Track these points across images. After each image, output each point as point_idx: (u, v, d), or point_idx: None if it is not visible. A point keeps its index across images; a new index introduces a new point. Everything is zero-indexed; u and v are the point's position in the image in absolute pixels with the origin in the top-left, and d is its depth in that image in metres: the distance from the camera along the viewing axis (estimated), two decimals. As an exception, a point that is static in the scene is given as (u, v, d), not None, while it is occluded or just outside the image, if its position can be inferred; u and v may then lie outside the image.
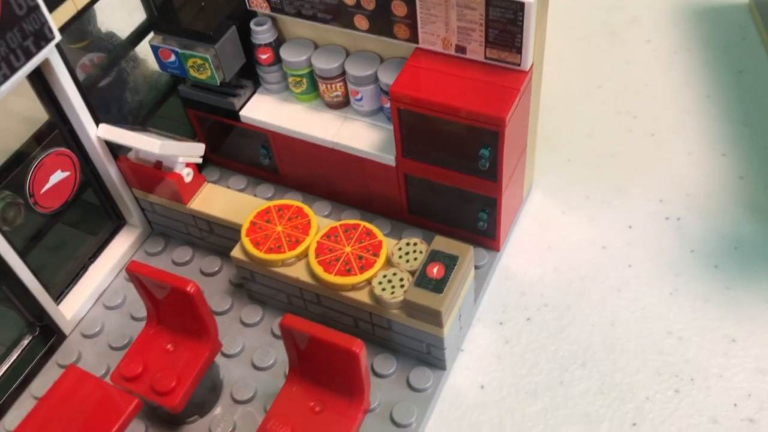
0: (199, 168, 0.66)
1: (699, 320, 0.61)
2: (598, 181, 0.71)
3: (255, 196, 0.72)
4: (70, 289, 0.66)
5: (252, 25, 0.64)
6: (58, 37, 0.53)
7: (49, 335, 0.64)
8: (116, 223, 0.70)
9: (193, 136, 0.74)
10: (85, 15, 0.58)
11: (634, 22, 0.86)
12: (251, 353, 0.61)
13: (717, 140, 0.73)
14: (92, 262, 0.68)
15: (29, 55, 0.52)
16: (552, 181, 0.71)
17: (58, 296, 0.65)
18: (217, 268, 0.67)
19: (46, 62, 0.55)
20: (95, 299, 0.67)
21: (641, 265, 0.65)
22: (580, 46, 0.84)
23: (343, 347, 0.49)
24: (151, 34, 0.65)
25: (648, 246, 0.66)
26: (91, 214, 0.68)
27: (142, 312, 0.64)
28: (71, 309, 0.65)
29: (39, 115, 0.63)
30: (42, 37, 0.52)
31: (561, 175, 0.72)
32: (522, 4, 0.52)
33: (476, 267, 0.64)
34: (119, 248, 0.69)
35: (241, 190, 0.73)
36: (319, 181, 0.70)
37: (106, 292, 0.67)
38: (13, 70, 0.51)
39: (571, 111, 0.77)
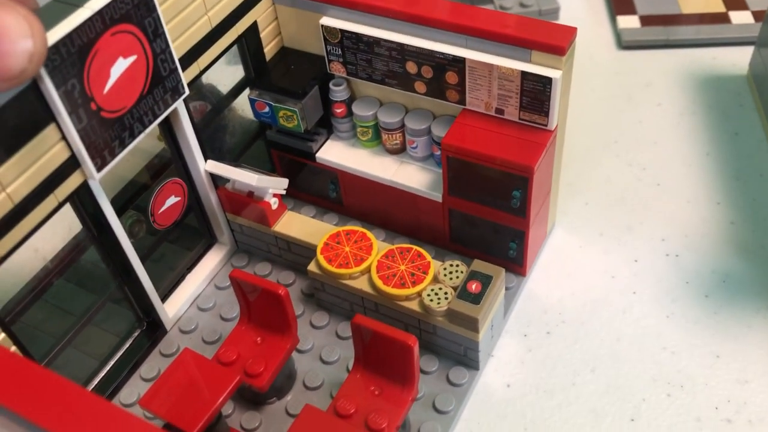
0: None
1: (690, 339, 0.73)
2: (611, 222, 0.84)
3: (322, 221, 0.85)
4: (172, 293, 0.80)
5: (331, 85, 0.78)
6: (187, 91, 0.68)
7: (154, 329, 0.77)
8: (209, 240, 0.84)
9: (274, 172, 0.88)
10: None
11: (647, 87, 0.99)
12: (320, 350, 0.74)
13: (713, 191, 0.85)
14: (189, 271, 0.82)
15: (167, 106, 0.66)
16: (572, 221, 0.84)
17: (163, 298, 0.79)
18: (291, 281, 0.81)
19: (174, 111, 0.70)
20: (191, 302, 0.80)
21: (643, 292, 0.77)
22: (600, 106, 0.97)
23: (401, 341, 0.62)
24: (248, 89, 0.80)
25: (650, 277, 0.78)
26: (190, 233, 0.83)
27: (230, 313, 0.78)
28: (172, 309, 0.79)
29: (153, 149, 0.78)
30: (176, 92, 0.67)
31: (580, 215, 0.84)
32: (550, 79, 0.66)
33: (506, 288, 0.77)
34: (211, 261, 0.83)
35: (311, 218, 0.86)
36: (377, 212, 0.84)
37: (200, 296, 0.81)
38: (156, 116, 0.66)
39: (589, 162, 0.90)
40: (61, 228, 0.67)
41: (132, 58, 0.61)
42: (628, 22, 1.06)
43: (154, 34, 0.62)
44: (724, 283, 0.76)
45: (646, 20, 1.06)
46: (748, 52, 0.99)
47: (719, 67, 1.00)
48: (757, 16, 1.04)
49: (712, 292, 0.76)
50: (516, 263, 0.77)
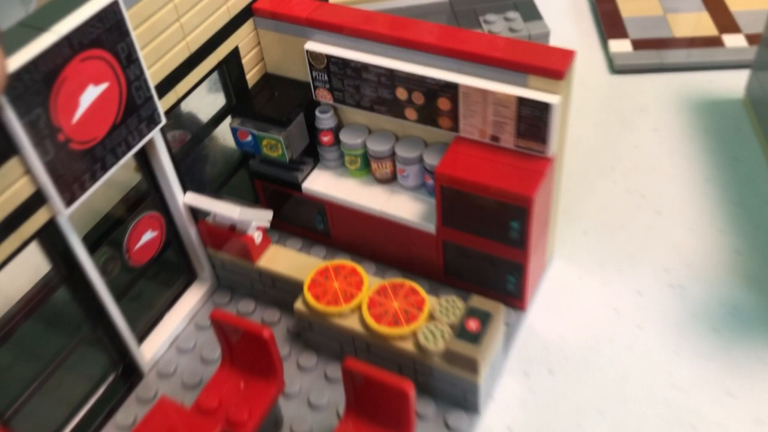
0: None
1: (701, 376, 0.69)
2: (611, 251, 0.80)
3: (309, 255, 0.81)
4: (149, 333, 0.75)
5: (317, 112, 0.75)
6: (163, 120, 0.64)
7: (130, 373, 0.72)
8: (189, 277, 0.79)
9: (257, 203, 0.84)
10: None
11: (642, 111, 0.96)
12: (308, 394, 0.70)
13: (715, 218, 0.82)
14: (168, 310, 0.77)
15: (142, 136, 0.62)
16: (571, 250, 0.80)
17: (139, 339, 0.74)
18: (277, 318, 0.76)
19: (150, 141, 0.66)
20: (170, 343, 0.75)
21: (649, 326, 0.73)
22: (595, 132, 0.94)
23: (396, 387, 0.57)
24: (230, 118, 0.76)
25: (655, 310, 0.74)
26: (168, 269, 0.78)
27: (211, 355, 0.73)
28: (150, 350, 0.74)
29: (129, 181, 0.73)
30: (152, 121, 0.63)
31: (578, 245, 0.81)
32: (548, 105, 0.62)
33: (505, 324, 0.73)
34: (191, 299, 0.78)
35: (297, 250, 0.82)
36: (366, 244, 0.80)
37: (180, 337, 0.76)
38: (129, 147, 0.61)
39: (586, 189, 0.87)
40: (27, 267, 0.63)
41: (103, 86, 0.57)
42: (620, 46, 1.04)
43: (128, 59, 0.58)
44: (733, 316, 0.73)
45: (638, 44, 1.03)
46: (742, 75, 0.97)
47: (715, 91, 0.98)
48: (751, 39, 1.02)
49: (721, 325, 0.72)
50: (515, 297, 0.74)
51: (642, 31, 1.05)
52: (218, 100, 0.77)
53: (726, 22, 1.05)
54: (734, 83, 0.97)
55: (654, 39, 1.04)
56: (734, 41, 1.02)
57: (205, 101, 0.77)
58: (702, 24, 1.05)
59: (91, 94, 0.56)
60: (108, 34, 0.56)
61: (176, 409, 0.61)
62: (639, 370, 0.69)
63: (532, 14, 1.09)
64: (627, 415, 0.66)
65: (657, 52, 1.01)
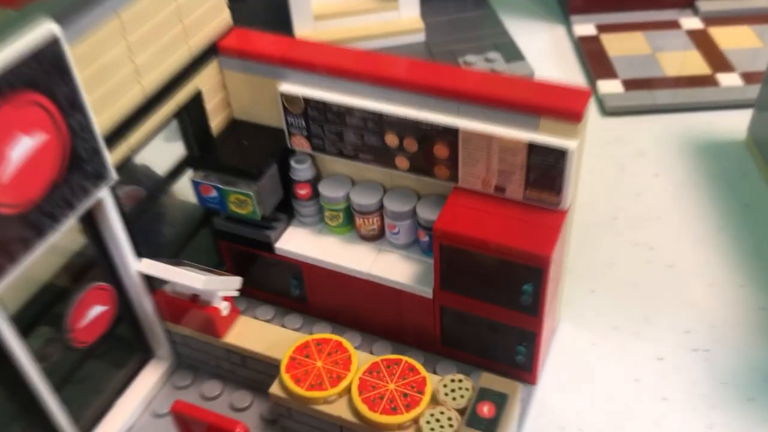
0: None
1: (740, 453, 0.61)
2: (624, 312, 0.72)
3: (283, 326, 0.71)
4: (97, 425, 0.64)
5: (292, 162, 0.66)
6: (114, 177, 0.54)
7: (73, 476, 0.61)
8: (145, 356, 0.68)
9: (221, 267, 0.74)
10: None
11: (640, 156, 0.90)
12: (288, 495, 0.59)
13: (734, 272, 0.75)
14: (119, 397, 0.66)
15: (88, 196, 0.52)
16: (579, 312, 0.72)
17: (85, 433, 0.63)
18: (248, 404, 0.66)
19: (98, 201, 0.56)
20: (122, 436, 0.64)
21: (675, 397, 0.65)
22: (592, 179, 0.87)
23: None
24: (191, 171, 0.66)
25: (680, 378, 0.66)
26: (119, 347, 0.67)
27: (172, 451, 0.62)
28: (98, 448, 0.63)
29: (73, 246, 0.63)
30: (100, 178, 0.53)
31: (587, 306, 0.73)
32: (564, 152, 0.55)
33: (513, 401, 0.64)
34: (147, 382, 0.67)
35: (268, 321, 0.72)
36: (350, 311, 0.70)
37: (133, 428, 0.65)
38: (73, 209, 0.51)
39: (589, 243, 0.79)
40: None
41: (40, 137, 0.47)
42: (611, 86, 0.98)
43: (71, 106, 0.49)
44: None
45: (629, 84, 0.98)
46: (742, 115, 0.92)
47: (714, 132, 0.92)
48: (747, 78, 0.97)
49: (757, 394, 0.64)
50: (524, 370, 0.65)
51: (632, 71, 1.00)
52: (177, 151, 0.67)
53: (718, 60, 1.01)
54: (734, 124, 0.92)
55: (645, 78, 0.98)
56: (730, 80, 0.97)
57: (162, 152, 0.67)
58: (693, 62, 1.01)
59: (23, 146, 0.46)
60: (46, 75, 0.46)
61: None
62: (671, 452, 0.61)
63: (513, 55, 1.03)
64: (663, 508, 0.57)
65: (650, 92, 0.96)
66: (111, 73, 0.53)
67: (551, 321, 0.66)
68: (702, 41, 1.04)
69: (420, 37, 1.03)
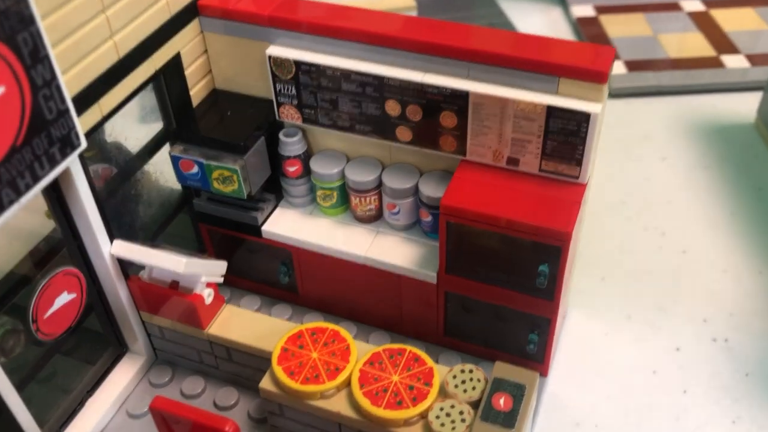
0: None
1: (767, 447, 0.56)
2: (637, 300, 0.68)
3: (272, 317, 0.65)
4: (66, 425, 0.58)
5: (281, 136, 0.60)
6: (83, 143, 0.48)
7: (37, 484, 0.55)
8: (118, 350, 0.62)
9: (203, 252, 0.68)
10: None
11: (646, 139, 0.86)
12: (281, 501, 0.53)
13: (750, 257, 0.71)
14: (90, 395, 0.60)
15: (54, 163, 0.46)
16: (590, 301, 0.67)
17: (51, 437, 0.56)
18: (233, 401, 0.60)
19: (66, 172, 0.50)
20: (93, 439, 0.58)
21: (696, 390, 0.61)
22: (599, 163, 0.82)
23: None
24: (168, 145, 0.61)
25: (700, 370, 0.62)
26: (90, 341, 0.61)
27: (148, 455, 0.56)
28: (65, 451, 0.56)
29: (39, 230, 0.57)
30: (68, 144, 0.47)
31: (598, 294, 0.68)
32: (588, 115, 0.50)
33: (524, 395, 0.59)
34: (121, 379, 0.61)
35: (255, 311, 0.66)
36: (343, 300, 0.65)
37: (106, 430, 0.59)
38: (36, 179, 0.45)
39: (597, 228, 0.74)
40: None
41: (-3, 91, 0.41)
42: (614, 68, 0.93)
43: (33, 57, 0.43)
44: None
45: (632, 65, 0.94)
46: (748, 97, 0.89)
47: (722, 115, 0.88)
48: (753, 59, 0.94)
49: None
50: (535, 361, 0.60)
51: (633, 52, 0.97)
52: (154, 124, 0.61)
53: (723, 42, 0.98)
54: (741, 106, 0.89)
55: (648, 60, 0.95)
56: (735, 62, 0.94)
57: (137, 131, 0.62)
58: (696, 44, 0.98)
59: (-23, 100, 0.40)
60: (5, 19, 0.40)
61: None
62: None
63: None
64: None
65: (654, 74, 0.92)
66: (79, 23, 0.48)
67: (564, 307, 0.61)
68: (704, 23, 1.01)
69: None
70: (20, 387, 0.51)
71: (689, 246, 0.72)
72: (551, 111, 0.51)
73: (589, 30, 1.01)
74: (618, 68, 0.94)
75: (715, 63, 0.94)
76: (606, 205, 0.77)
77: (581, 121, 0.50)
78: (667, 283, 0.69)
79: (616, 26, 1.01)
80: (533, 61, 0.50)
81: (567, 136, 0.51)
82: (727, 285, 0.69)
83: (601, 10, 1.05)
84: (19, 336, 0.52)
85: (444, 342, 0.63)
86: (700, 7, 1.05)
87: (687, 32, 0.99)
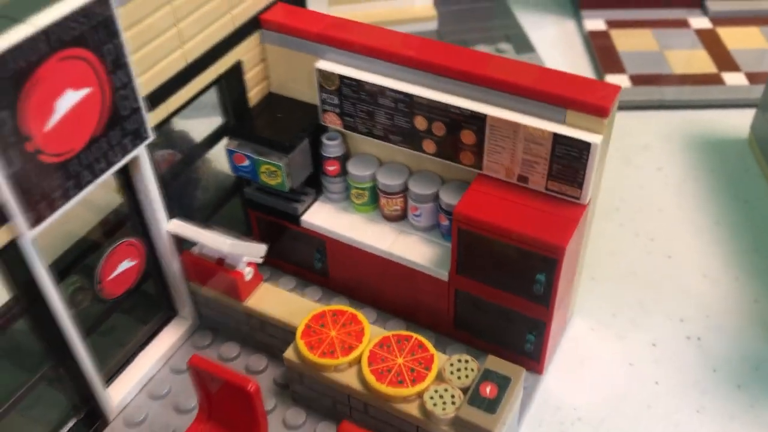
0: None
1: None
2: (622, 300, 0.73)
3: (304, 297, 0.73)
4: (118, 374, 0.66)
5: (324, 139, 0.67)
6: (151, 136, 0.56)
7: (93, 420, 0.63)
8: (168, 313, 0.71)
9: (249, 236, 0.76)
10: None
11: (645, 150, 0.91)
12: (294, 456, 0.61)
13: (729, 264, 0.76)
14: (141, 350, 0.68)
15: (126, 152, 0.54)
16: (580, 299, 0.73)
17: (106, 381, 0.65)
18: (263, 367, 0.67)
19: (134, 158, 0.58)
20: (141, 387, 0.67)
21: (667, 382, 0.66)
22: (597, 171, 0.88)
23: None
24: (226, 139, 0.68)
25: (672, 364, 0.67)
26: (145, 304, 0.70)
27: (187, 404, 0.64)
28: (118, 394, 0.65)
29: (109, 203, 0.65)
30: (138, 136, 0.55)
31: (588, 292, 0.74)
32: (588, 144, 0.55)
33: (519, 387, 0.64)
34: (168, 339, 0.69)
35: (290, 291, 0.74)
36: (368, 288, 0.71)
37: (152, 381, 0.67)
38: (110, 164, 0.53)
39: (594, 232, 0.79)
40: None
41: (84, 91, 0.49)
42: (618, 81, 0.99)
43: (115, 64, 0.51)
44: (758, 370, 0.66)
45: (636, 79, 0.99)
46: (745, 114, 0.93)
47: (718, 129, 0.93)
48: (751, 78, 0.98)
49: (745, 381, 0.66)
50: (532, 358, 0.65)
51: (640, 67, 1.01)
52: (215, 122, 0.69)
53: (725, 60, 1.01)
54: (738, 122, 0.93)
55: (653, 75, 0.99)
56: (735, 79, 0.98)
57: (200, 122, 0.69)
58: (700, 61, 1.02)
59: (69, 99, 0.48)
60: (94, 32, 0.48)
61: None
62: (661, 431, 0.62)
63: (524, 46, 1.05)
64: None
65: (657, 88, 0.97)
66: (155, 35, 0.55)
67: (563, 313, 0.67)
68: (710, 40, 1.05)
69: (432, 25, 1.03)
70: (86, 335, 0.60)
71: (674, 251, 0.78)
72: (557, 138, 0.56)
73: (598, 43, 1.06)
74: (623, 82, 0.98)
75: (716, 80, 0.98)
76: (602, 211, 0.82)
77: (583, 149, 0.55)
78: (651, 285, 0.75)
79: (624, 40, 1.05)
80: (545, 92, 0.56)
81: (570, 161, 0.57)
82: (706, 289, 0.74)
83: (612, 24, 1.09)
84: (86, 293, 0.61)
85: (454, 334, 0.69)
86: (707, 24, 1.08)
87: (693, 49, 1.03)
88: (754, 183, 0.85)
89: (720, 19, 1.09)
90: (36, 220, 0.50)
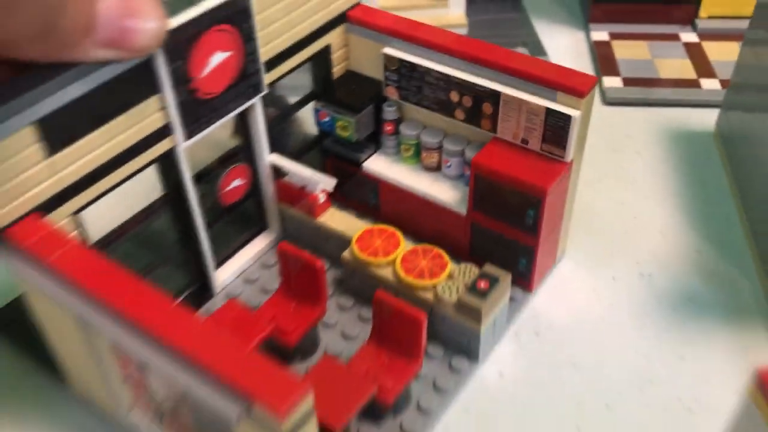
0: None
1: (660, 344, 0.83)
2: (596, 247, 0.94)
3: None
4: (223, 264, 0.91)
5: (384, 106, 0.91)
6: (266, 90, 0.81)
7: (203, 291, 0.88)
8: (261, 225, 0.95)
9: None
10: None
11: (627, 137, 1.12)
12: (343, 327, 0.84)
13: (682, 226, 0.96)
14: (241, 248, 0.93)
15: (248, 99, 0.79)
16: (568, 249, 0.94)
17: (216, 266, 0.90)
18: (327, 267, 0.91)
19: (253, 105, 0.83)
20: (239, 274, 0.91)
21: (621, 304, 0.87)
22: (588, 152, 1.06)
23: (412, 315, 0.72)
24: (314, 101, 0.93)
25: (627, 293, 0.88)
26: (246, 216, 0.94)
27: (271, 287, 0.88)
28: (221, 277, 0.90)
29: (226, 143, 0.90)
30: (257, 89, 0.80)
31: (572, 241, 0.95)
32: (570, 117, 0.77)
33: (511, 299, 0.86)
34: (260, 244, 0.94)
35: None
36: (408, 219, 0.94)
37: (247, 271, 0.92)
38: (238, 106, 0.78)
39: (578, 197, 0.99)
40: (140, 191, 0.78)
41: (228, 53, 0.74)
42: (613, 82, 1.20)
43: (248, 37, 0.75)
44: (690, 300, 0.87)
45: (627, 81, 1.20)
46: (714, 113, 1.12)
47: (690, 125, 1.13)
48: (724, 83, 1.18)
49: (680, 307, 0.86)
50: (524, 278, 0.87)
51: (632, 71, 1.22)
52: (307, 87, 0.94)
53: (705, 68, 1.22)
54: (708, 120, 1.13)
55: (642, 78, 1.21)
56: (710, 84, 1.19)
57: (295, 88, 0.94)
58: (684, 69, 1.22)
59: (218, 57, 0.73)
60: (237, 14, 0.73)
61: (241, 310, 0.77)
62: (609, 337, 0.84)
63: (538, 51, 1.26)
64: (597, 370, 0.80)
65: (643, 89, 1.18)
66: (273, 21, 0.80)
67: (552, 247, 0.88)
68: (695, 52, 1.26)
69: (463, 32, 1.23)
70: (207, 227, 0.85)
71: (640, 214, 0.99)
72: (549, 111, 0.78)
73: (601, 51, 1.27)
74: (616, 83, 1.20)
75: (694, 84, 1.18)
76: (589, 181, 1.03)
77: (567, 120, 0.77)
78: (619, 237, 0.96)
79: (623, 50, 1.27)
80: (543, 78, 0.78)
81: (558, 129, 0.78)
82: (660, 241, 0.95)
83: (614, 36, 1.30)
84: (209, 198, 0.86)
85: (469, 260, 0.91)
86: (695, 39, 1.29)
87: (679, 59, 1.24)
88: (713, 168, 1.06)
89: (706, 35, 1.30)
90: (189, 135, 0.75)
